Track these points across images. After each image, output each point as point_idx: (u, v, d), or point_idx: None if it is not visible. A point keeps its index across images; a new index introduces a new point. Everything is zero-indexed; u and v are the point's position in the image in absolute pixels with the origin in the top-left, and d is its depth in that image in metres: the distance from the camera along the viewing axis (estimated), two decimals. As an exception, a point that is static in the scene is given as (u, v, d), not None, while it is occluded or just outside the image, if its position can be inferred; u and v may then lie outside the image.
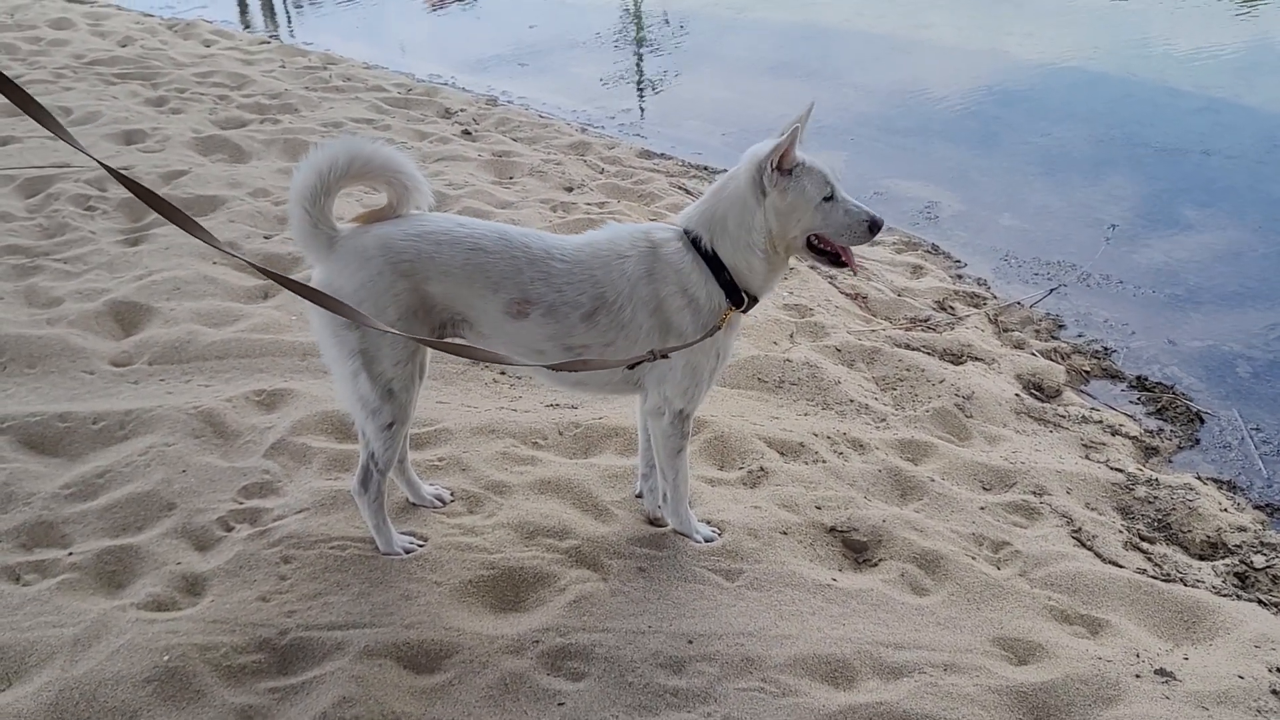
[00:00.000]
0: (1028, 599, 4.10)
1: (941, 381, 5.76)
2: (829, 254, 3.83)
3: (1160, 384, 6.19)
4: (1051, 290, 7.39)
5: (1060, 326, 6.95)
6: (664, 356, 3.75)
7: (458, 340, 3.82)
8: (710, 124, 11.61)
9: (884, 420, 5.44)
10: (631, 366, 3.83)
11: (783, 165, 3.65)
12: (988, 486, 4.94)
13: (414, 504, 4.44)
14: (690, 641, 3.73)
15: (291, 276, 6.31)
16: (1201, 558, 4.62)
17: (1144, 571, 4.39)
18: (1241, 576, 4.42)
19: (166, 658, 3.50)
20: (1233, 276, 7.46)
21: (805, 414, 5.47)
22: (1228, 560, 4.54)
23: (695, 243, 3.81)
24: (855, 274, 3.93)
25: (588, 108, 12.35)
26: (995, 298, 7.33)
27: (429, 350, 3.86)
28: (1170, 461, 5.49)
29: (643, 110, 12.31)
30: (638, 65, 14.50)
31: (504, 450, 4.87)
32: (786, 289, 7.02)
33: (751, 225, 3.74)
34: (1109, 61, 12.94)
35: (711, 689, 3.54)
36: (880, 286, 7.29)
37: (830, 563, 4.31)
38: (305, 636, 3.66)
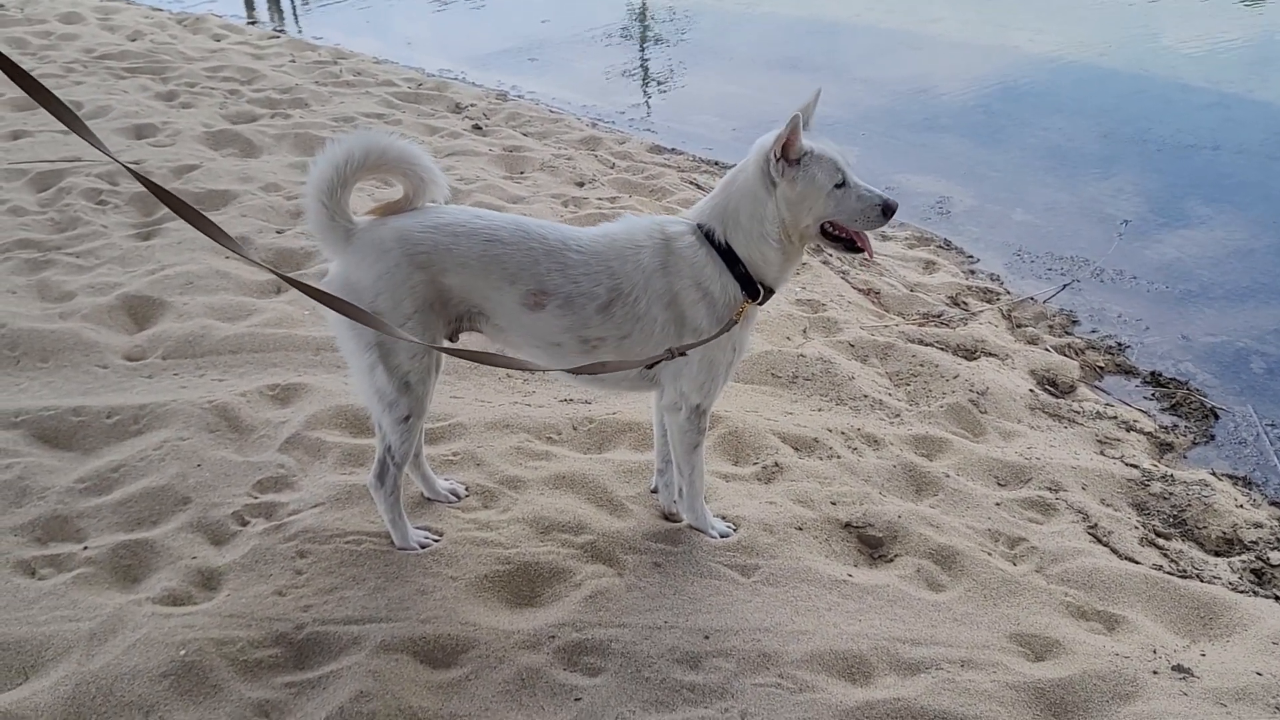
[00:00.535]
0: (1044, 595, 4.09)
1: (955, 377, 5.75)
2: (844, 240, 3.81)
3: (1174, 380, 6.17)
4: (1065, 286, 7.37)
5: (1074, 322, 6.93)
6: (682, 354, 3.75)
7: (475, 349, 3.80)
8: (720, 118, 11.58)
9: (898, 416, 5.43)
10: (650, 366, 3.82)
11: (789, 154, 3.62)
12: (1003, 482, 4.93)
13: (429, 499, 4.44)
14: (706, 637, 3.72)
15: (304, 273, 6.37)
16: (1217, 554, 4.60)
17: (1160, 568, 4.38)
18: (1258, 573, 4.41)
19: (183, 652, 3.50)
20: (1245, 272, 7.44)
21: (819, 409, 5.46)
22: (1244, 556, 4.52)
23: (709, 236, 3.80)
24: (871, 259, 3.87)
25: (598, 103, 12.32)
26: (1008, 293, 7.31)
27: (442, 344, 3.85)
28: (1185, 457, 5.47)
29: (653, 105, 12.28)
30: (647, 60, 14.46)
31: (518, 445, 4.87)
32: (799, 284, 7.02)
33: (764, 216, 3.72)
34: (1119, 56, 12.91)
35: (728, 684, 3.54)
36: (893, 282, 7.28)
37: (846, 558, 4.31)
38: (321, 631, 3.66)
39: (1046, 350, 6.40)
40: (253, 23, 17.28)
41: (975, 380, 5.72)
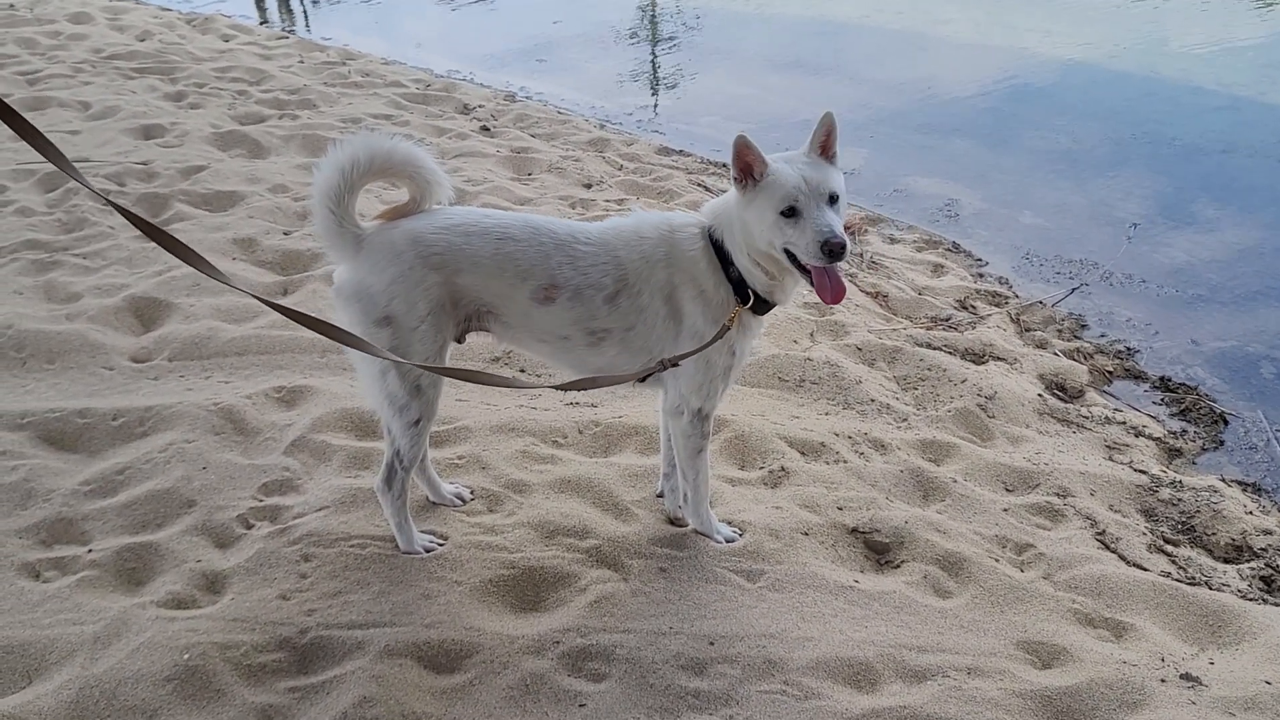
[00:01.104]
0: (1051, 602, 4.07)
1: (963, 381, 5.72)
2: (807, 272, 3.60)
3: (1184, 385, 6.13)
4: (1073, 289, 7.34)
5: (1083, 326, 6.90)
6: (674, 364, 3.74)
7: (464, 367, 3.79)
8: (729, 120, 11.55)
9: (905, 420, 5.40)
10: (643, 379, 3.81)
11: (752, 172, 3.54)
12: (1010, 488, 4.90)
13: (434, 502, 4.43)
14: (712, 643, 3.71)
15: (310, 274, 6.37)
16: (1226, 561, 4.57)
17: (1168, 575, 4.36)
18: (1267, 580, 4.38)
19: (186, 656, 3.49)
20: (1256, 276, 7.40)
21: (826, 413, 5.44)
22: (1253, 564, 4.49)
23: (712, 234, 3.79)
24: (827, 301, 3.65)
25: (606, 104, 12.31)
26: (1017, 297, 7.29)
27: (450, 346, 3.85)
28: (1194, 463, 5.44)
29: (661, 106, 12.27)
30: (655, 61, 14.45)
31: (524, 449, 4.86)
32: (806, 287, 6.98)
33: (737, 230, 3.69)
34: (1129, 58, 12.86)
35: (733, 691, 3.52)
36: (901, 285, 7.25)
37: (852, 564, 4.29)
38: (325, 635, 3.66)
39: (1055, 355, 6.37)
40: (264, 23, 17.29)
41: (983, 385, 5.69)
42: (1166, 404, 6.00)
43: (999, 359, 6.14)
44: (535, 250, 3.71)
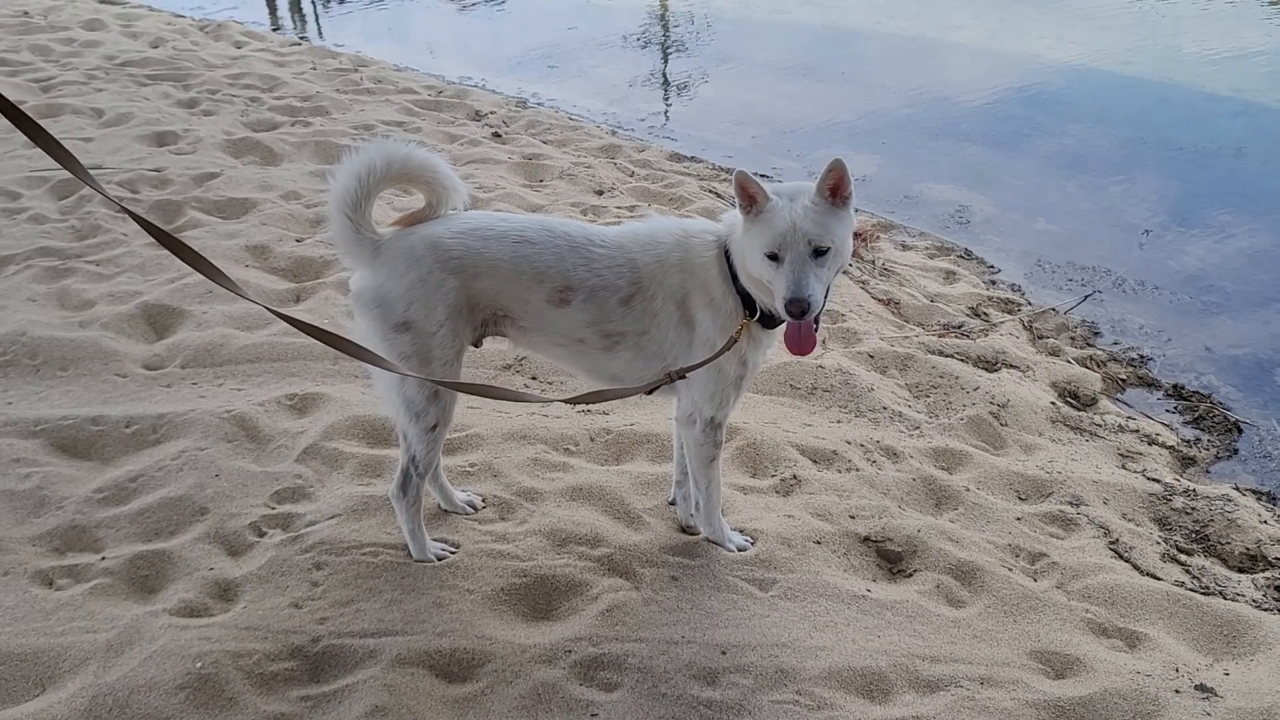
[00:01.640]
0: (1065, 611, 4.05)
1: (976, 389, 5.71)
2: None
3: (1197, 392, 6.11)
4: (1086, 296, 7.32)
5: (1095, 333, 6.88)
6: (681, 377, 3.74)
7: (474, 382, 3.80)
8: (740, 126, 11.55)
9: (918, 428, 5.39)
10: (650, 391, 3.81)
11: (754, 203, 3.51)
12: (1024, 496, 4.89)
13: (446, 510, 4.43)
14: (724, 652, 3.70)
15: (323, 281, 6.38)
16: (1241, 570, 4.55)
17: (1182, 584, 4.34)
18: (1283, 590, 4.36)
19: (199, 664, 3.50)
20: (1270, 283, 7.38)
21: (838, 421, 5.43)
22: (1268, 573, 4.46)
23: (725, 243, 3.78)
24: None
25: (617, 110, 12.32)
26: (1029, 304, 7.27)
27: (467, 350, 3.86)
28: (1208, 472, 5.42)
29: (672, 112, 12.26)
30: (667, 67, 14.45)
31: (535, 456, 4.86)
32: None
33: (736, 247, 3.68)
34: (1142, 63, 12.84)
35: (745, 701, 3.52)
36: (913, 292, 7.24)
37: (864, 573, 4.28)
38: (337, 644, 3.66)
39: (1068, 362, 6.35)
40: (276, 29, 17.33)
41: (996, 392, 5.68)
42: (1180, 412, 5.98)
43: (1011, 366, 6.12)
44: (551, 252, 3.72)
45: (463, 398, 4.99)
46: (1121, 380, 6.28)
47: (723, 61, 14.43)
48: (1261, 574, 4.47)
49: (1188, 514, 4.87)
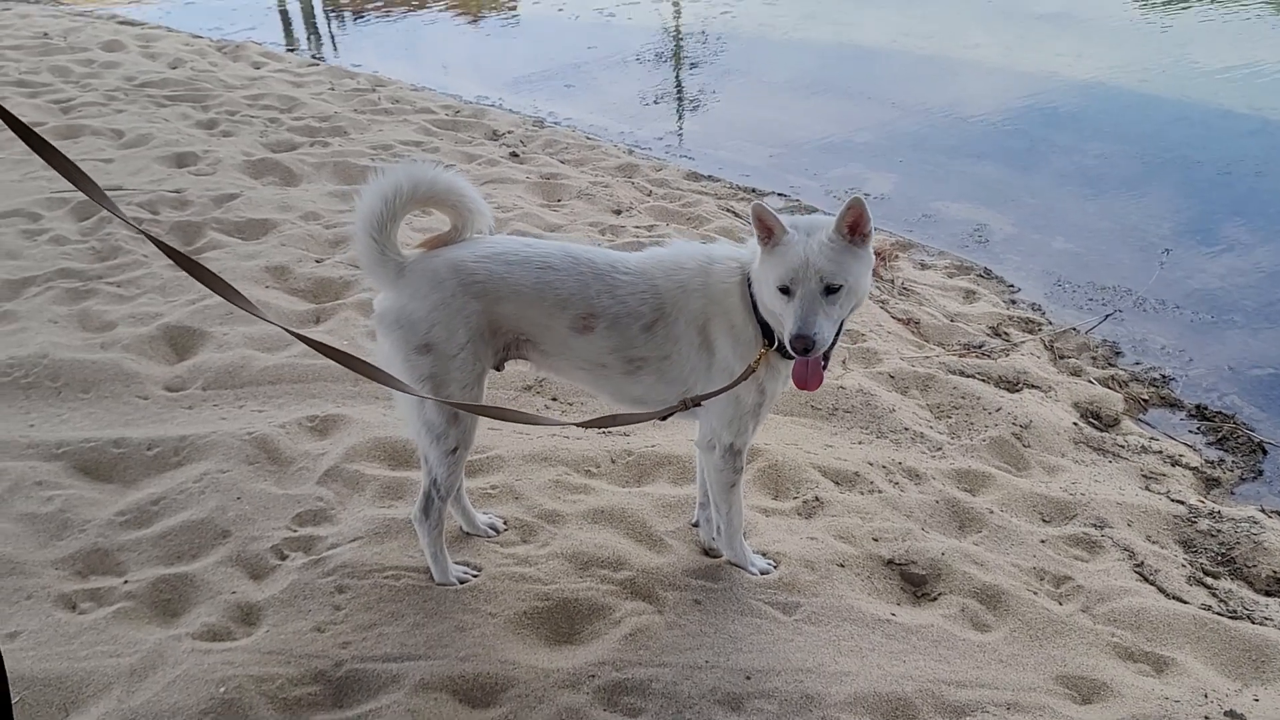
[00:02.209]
0: (1091, 636, 4.02)
1: (998, 410, 5.68)
2: None
3: (1220, 413, 6.07)
4: (1107, 316, 7.28)
5: (1117, 353, 6.84)
6: (696, 404, 3.73)
7: (493, 405, 3.80)
8: (758, 144, 11.53)
9: (939, 449, 5.36)
10: (664, 418, 3.80)
11: (770, 235, 3.50)
12: (1047, 518, 4.86)
13: (468, 533, 4.42)
14: (748, 677, 3.68)
15: (343, 302, 6.39)
16: (1268, 593, 4.50)
17: (1209, 608, 4.30)
18: (1311, 614, 4.32)
19: (223, 689, 3.50)
20: (1292, 302, 7.35)
21: (859, 442, 5.40)
22: (1296, 597, 4.44)
23: (748, 270, 3.77)
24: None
25: (634, 129, 12.32)
26: (1050, 323, 7.24)
27: (489, 374, 3.86)
28: (1232, 494, 5.37)
29: (689, 131, 12.26)
30: (682, 86, 14.46)
31: (557, 478, 4.85)
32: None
33: (754, 276, 3.67)
34: (1159, 81, 12.79)
35: (771, 727, 3.50)
36: (933, 311, 7.22)
37: (889, 596, 4.25)
38: (360, 669, 3.65)
39: (1090, 382, 6.32)
40: (291, 49, 17.41)
41: (1018, 413, 5.65)
42: (1203, 433, 5.93)
43: (1033, 387, 6.09)
44: (574, 279, 3.72)
45: (484, 419, 5.01)
46: (1144, 400, 6.24)
47: (738, 80, 14.44)
48: (1289, 597, 4.43)
49: (1213, 536, 4.83)
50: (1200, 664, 3.96)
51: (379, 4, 21.65)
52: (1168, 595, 4.36)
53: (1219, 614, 4.24)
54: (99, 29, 16.11)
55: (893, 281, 7.73)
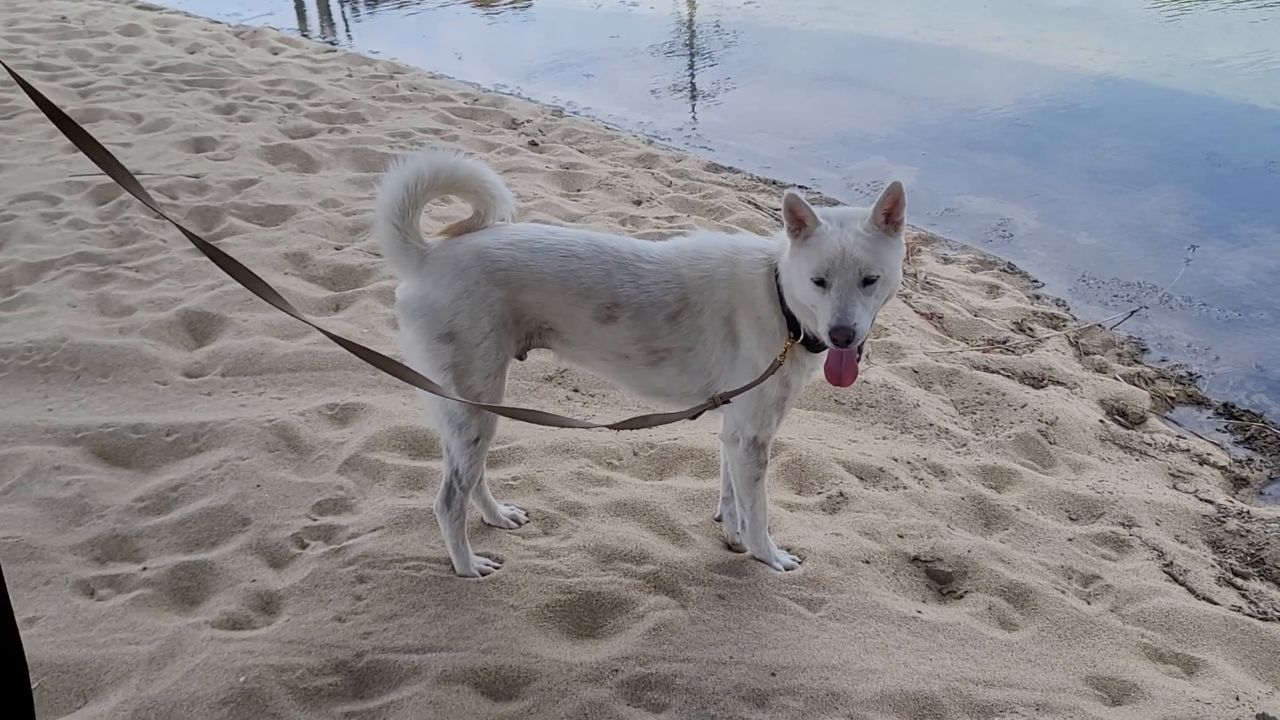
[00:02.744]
0: (1120, 636, 3.97)
1: (1023, 406, 5.62)
2: None
3: (1248, 411, 6.00)
4: (1132, 312, 7.21)
5: (1143, 350, 6.77)
6: (725, 401, 3.68)
7: (520, 407, 3.76)
8: (778, 136, 11.46)
9: (964, 445, 5.30)
10: (695, 416, 3.75)
11: (802, 227, 3.45)
12: (1074, 517, 4.80)
13: (489, 525, 4.38)
14: (773, 674, 3.64)
15: (363, 289, 6.35)
16: (1299, 596, 4.45)
17: (1239, 609, 4.24)
18: (1343, 617, 4.26)
19: (243, 679, 3.46)
20: (1320, 300, 7.27)
21: (884, 437, 5.35)
22: (1327, 599, 4.37)
23: (775, 262, 3.72)
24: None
25: (653, 119, 12.25)
26: (1075, 319, 7.17)
27: (511, 363, 3.82)
28: (1261, 493, 5.30)
29: (709, 122, 12.19)
30: (701, 76, 14.38)
31: (579, 470, 4.80)
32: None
33: (783, 269, 3.61)
34: (1183, 76, 12.68)
35: (796, 725, 3.45)
36: (956, 306, 7.15)
37: (914, 594, 4.20)
38: (382, 659, 3.61)
39: (1116, 379, 6.25)
40: (305, 34, 17.38)
41: (1044, 409, 5.59)
42: (1231, 431, 5.87)
43: (1058, 383, 6.03)
44: (598, 268, 3.68)
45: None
46: (1170, 398, 6.18)
47: (758, 71, 14.36)
48: (1321, 600, 4.37)
49: (1242, 536, 4.77)
50: (1231, 666, 3.91)
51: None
52: (1197, 596, 4.30)
53: (1249, 615, 4.19)
54: (117, 13, 16.09)
55: (916, 276, 7.66)
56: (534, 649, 3.70)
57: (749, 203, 8.91)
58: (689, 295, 3.72)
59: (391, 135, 10.14)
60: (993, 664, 3.78)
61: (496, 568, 4.11)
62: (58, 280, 6.49)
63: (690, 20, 18.48)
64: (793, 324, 3.67)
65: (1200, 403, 6.15)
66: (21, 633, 2.64)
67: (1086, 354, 6.63)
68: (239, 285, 5.86)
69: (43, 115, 2.81)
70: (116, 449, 4.83)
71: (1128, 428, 5.73)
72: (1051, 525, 4.65)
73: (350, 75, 13.00)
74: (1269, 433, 5.77)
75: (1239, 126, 10.93)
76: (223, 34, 15.36)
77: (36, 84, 10.82)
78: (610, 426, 3.67)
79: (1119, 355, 6.66)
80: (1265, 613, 4.24)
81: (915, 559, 4.36)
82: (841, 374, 3.52)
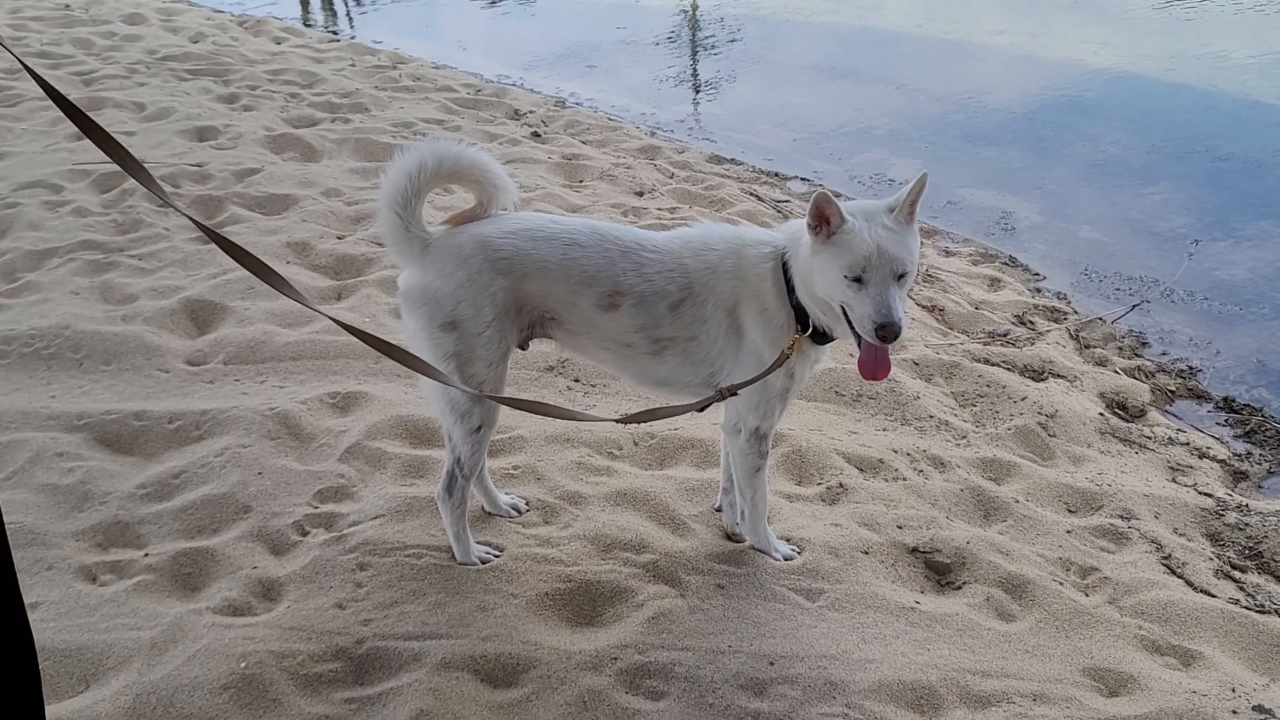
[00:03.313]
0: (1118, 628, 3.98)
1: (1023, 399, 5.63)
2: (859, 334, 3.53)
3: (1248, 405, 6.00)
4: (1134, 306, 7.22)
5: (1143, 344, 6.78)
6: (733, 394, 3.68)
7: (527, 399, 3.77)
8: (780, 128, 11.47)
9: (964, 437, 5.32)
10: (703, 409, 3.76)
11: (828, 225, 3.43)
12: (1073, 509, 4.82)
13: (490, 513, 4.40)
14: (771, 663, 3.65)
15: (364, 279, 6.36)
16: (1297, 589, 4.46)
17: (1237, 602, 4.25)
18: (1340, 610, 4.27)
19: (244, 664, 3.48)
20: (1322, 295, 7.27)
21: (884, 429, 5.36)
22: (1325, 593, 4.38)
23: (784, 255, 3.73)
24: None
25: (655, 110, 12.26)
26: (1076, 313, 7.18)
27: (513, 352, 3.83)
28: (1260, 487, 5.32)
29: (712, 114, 12.19)
30: (703, 68, 14.38)
31: (579, 460, 4.82)
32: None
33: (801, 265, 3.60)
34: (1187, 71, 12.66)
35: (794, 713, 3.47)
36: (957, 299, 7.16)
37: (913, 585, 4.22)
38: (382, 646, 3.63)
39: (1116, 373, 6.26)
40: (309, 24, 17.37)
41: (1044, 402, 5.60)
42: (1230, 425, 5.88)
43: (1059, 376, 6.04)
44: (601, 256, 3.69)
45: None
46: (1170, 392, 6.19)
47: (761, 63, 14.36)
48: (1319, 593, 4.38)
49: (1241, 530, 4.78)
50: (1228, 658, 3.92)
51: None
52: (1195, 588, 4.31)
53: (1247, 608, 4.20)
54: (120, 2, 16.07)
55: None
56: (534, 637, 3.72)
57: (751, 194, 8.91)
58: (693, 285, 3.72)
59: (394, 125, 10.15)
60: (990, 655, 3.79)
61: (497, 556, 4.12)
62: (61, 268, 6.50)
63: (694, 12, 18.46)
64: (799, 316, 3.69)
65: (1200, 396, 6.16)
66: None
67: (1087, 347, 6.64)
68: (242, 274, 5.88)
69: (46, 103, 2.83)
70: (119, 436, 4.85)
71: (1127, 421, 5.74)
72: (1050, 517, 4.66)
73: (353, 65, 13.00)
74: (1269, 427, 5.78)
75: (1242, 121, 10.92)
76: (226, 23, 15.36)
77: (40, 72, 10.81)
78: (619, 420, 3.68)
79: (1120, 349, 6.67)
80: (1262, 606, 4.25)
81: (914, 550, 4.38)
82: (876, 369, 3.52)
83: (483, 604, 3.85)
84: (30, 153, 8.67)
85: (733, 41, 15.80)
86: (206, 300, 6.08)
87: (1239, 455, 5.57)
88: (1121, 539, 4.59)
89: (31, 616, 3.57)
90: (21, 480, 4.46)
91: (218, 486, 4.45)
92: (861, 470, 4.92)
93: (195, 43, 13.45)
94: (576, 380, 5.61)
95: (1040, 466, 5.13)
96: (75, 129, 2.94)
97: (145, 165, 7.42)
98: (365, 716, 3.37)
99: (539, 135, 10.55)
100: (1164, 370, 6.42)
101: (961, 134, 11.07)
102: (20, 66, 2.90)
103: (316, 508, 4.38)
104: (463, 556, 4.05)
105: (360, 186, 8.18)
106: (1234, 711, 3.58)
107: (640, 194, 8.74)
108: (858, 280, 3.37)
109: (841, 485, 4.75)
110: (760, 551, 4.22)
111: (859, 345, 3.52)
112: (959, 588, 4.21)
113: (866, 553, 4.28)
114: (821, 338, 3.72)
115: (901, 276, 3.39)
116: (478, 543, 4.14)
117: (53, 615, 3.73)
